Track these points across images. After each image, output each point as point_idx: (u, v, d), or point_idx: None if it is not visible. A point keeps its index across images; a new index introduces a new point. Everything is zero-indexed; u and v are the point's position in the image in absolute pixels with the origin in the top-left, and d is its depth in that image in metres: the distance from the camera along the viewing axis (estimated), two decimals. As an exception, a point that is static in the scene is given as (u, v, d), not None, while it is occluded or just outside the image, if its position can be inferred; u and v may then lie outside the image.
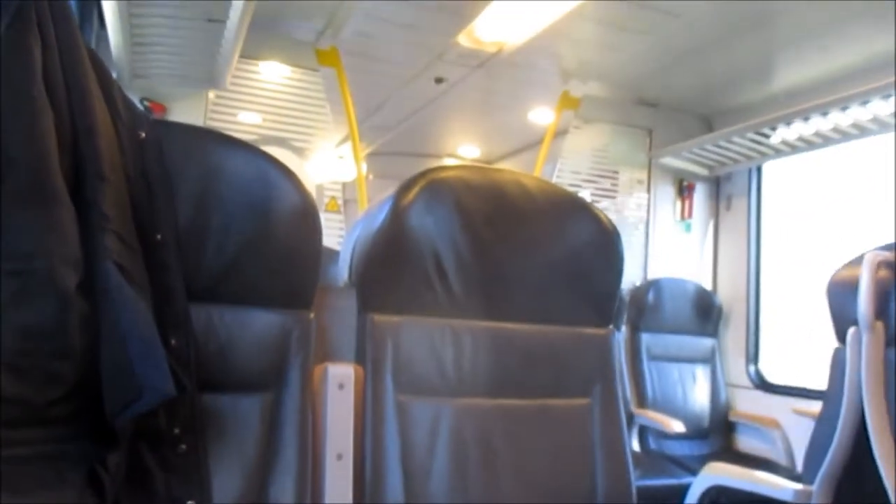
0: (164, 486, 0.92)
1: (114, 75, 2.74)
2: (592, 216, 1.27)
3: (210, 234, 1.03)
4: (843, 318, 1.72)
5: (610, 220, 1.29)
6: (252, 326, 1.04)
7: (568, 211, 1.26)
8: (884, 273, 1.64)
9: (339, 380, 1.07)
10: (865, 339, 1.60)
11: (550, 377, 1.23)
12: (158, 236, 0.99)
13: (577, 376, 1.25)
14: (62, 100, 0.85)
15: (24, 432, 0.77)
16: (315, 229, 1.07)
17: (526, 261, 1.23)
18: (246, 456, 1.00)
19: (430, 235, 1.14)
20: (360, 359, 1.12)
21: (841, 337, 1.73)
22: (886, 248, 1.69)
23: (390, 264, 1.13)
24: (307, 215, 1.06)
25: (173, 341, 0.95)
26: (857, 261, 1.72)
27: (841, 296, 1.74)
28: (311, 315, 1.08)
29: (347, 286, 1.16)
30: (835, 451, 1.64)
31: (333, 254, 3.02)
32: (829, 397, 1.73)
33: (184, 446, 0.95)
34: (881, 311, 1.61)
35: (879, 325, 1.60)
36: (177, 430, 0.94)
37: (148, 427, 0.91)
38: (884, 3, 2.39)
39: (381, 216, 1.13)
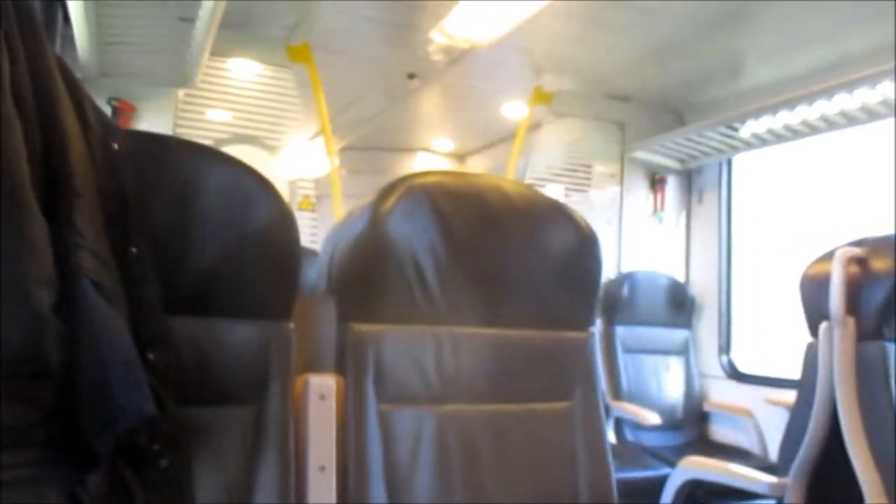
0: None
1: (80, 75, 2.67)
2: (571, 220, 1.28)
3: (187, 245, 1.02)
4: (815, 313, 1.75)
5: (588, 224, 1.29)
6: (232, 338, 1.02)
7: (547, 215, 1.27)
8: (854, 269, 1.67)
9: (321, 391, 1.06)
10: (837, 334, 1.64)
11: (533, 382, 1.23)
12: (134, 250, 0.97)
13: (559, 380, 1.25)
14: (31, 113, 0.83)
15: (3, 457, 0.75)
16: (293, 239, 1.06)
17: (506, 266, 1.23)
18: (228, 470, 0.99)
19: (410, 243, 1.14)
20: (340, 369, 1.12)
21: (813, 331, 1.76)
22: (857, 244, 1.72)
23: (370, 273, 1.12)
24: (285, 225, 1.05)
25: (152, 356, 0.93)
26: (829, 256, 1.75)
27: (813, 291, 1.77)
28: (291, 325, 1.07)
29: (327, 295, 1.16)
30: (808, 444, 1.67)
31: (308, 253, 2.99)
32: (803, 391, 1.76)
33: (165, 462, 0.94)
34: (852, 307, 1.64)
35: (851, 320, 1.64)
36: (157, 447, 0.93)
37: (128, 445, 0.89)
38: (848, 5, 2.45)
39: (360, 225, 1.12)
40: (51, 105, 0.86)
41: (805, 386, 1.74)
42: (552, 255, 1.26)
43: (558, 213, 1.28)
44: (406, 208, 1.15)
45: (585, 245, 1.28)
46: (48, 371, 0.78)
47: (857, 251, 1.67)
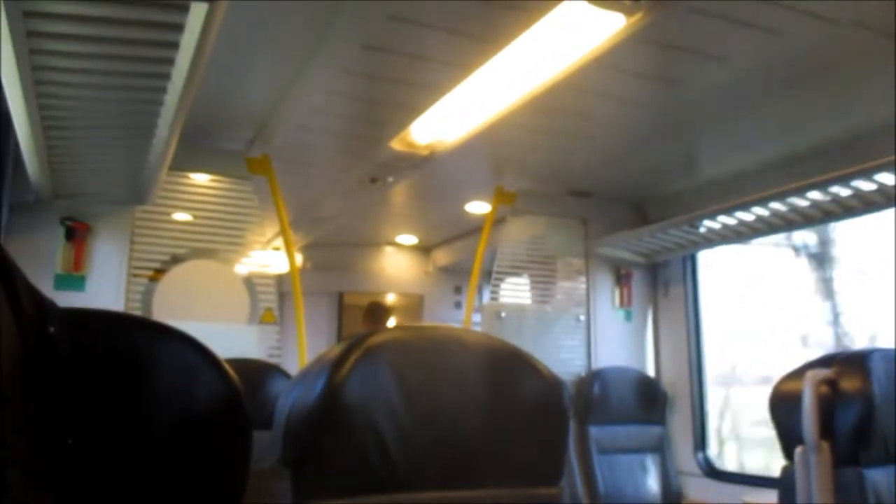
0: None
1: (32, 198, 2.58)
2: (534, 369, 1.23)
3: (128, 428, 0.96)
4: (788, 435, 1.71)
5: (552, 372, 1.25)
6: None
7: (509, 365, 1.22)
8: (825, 390, 1.64)
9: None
10: (813, 460, 1.60)
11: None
12: (70, 441, 0.91)
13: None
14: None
15: None
16: (242, 422, 1.00)
17: (470, 422, 1.17)
18: None
19: (369, 410, 1.08)
20: (296, 551, 1.04)
21: (788, 453, 1.72)
22: (825, 362, 1.70)
23: (326, 446, 1.06)
24: (233, 407, 0.99)
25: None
26: (798, 374, 1.73)
27: (784, 412, 1.74)
28: (241, 510, 1.00)
29: (281, 468, 1.09)
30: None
31: (271, 368, 2.89)
32: (783, 518, 1.71)
33: None
34: (826, 430, 1.61)
35: (825, 445, 1.60)
36: None
37: None
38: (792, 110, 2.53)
39: (315, 392, 1.07)
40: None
41: (785, 513, 1.69)
42: (517, 408, 1.21)
43: (521, 363, 1.24)
44: (363, 372, 1.09)
45: (551, 394, 1.24)
46: None
47: (827, 372, 1.65)
